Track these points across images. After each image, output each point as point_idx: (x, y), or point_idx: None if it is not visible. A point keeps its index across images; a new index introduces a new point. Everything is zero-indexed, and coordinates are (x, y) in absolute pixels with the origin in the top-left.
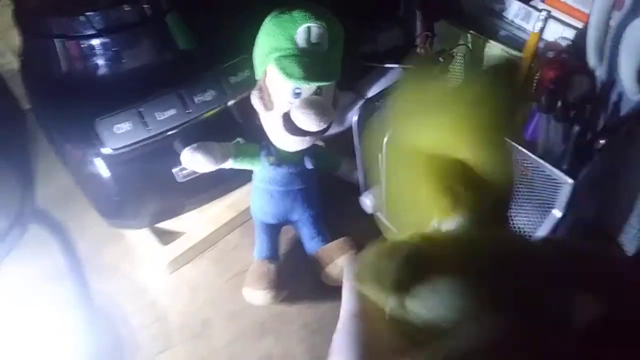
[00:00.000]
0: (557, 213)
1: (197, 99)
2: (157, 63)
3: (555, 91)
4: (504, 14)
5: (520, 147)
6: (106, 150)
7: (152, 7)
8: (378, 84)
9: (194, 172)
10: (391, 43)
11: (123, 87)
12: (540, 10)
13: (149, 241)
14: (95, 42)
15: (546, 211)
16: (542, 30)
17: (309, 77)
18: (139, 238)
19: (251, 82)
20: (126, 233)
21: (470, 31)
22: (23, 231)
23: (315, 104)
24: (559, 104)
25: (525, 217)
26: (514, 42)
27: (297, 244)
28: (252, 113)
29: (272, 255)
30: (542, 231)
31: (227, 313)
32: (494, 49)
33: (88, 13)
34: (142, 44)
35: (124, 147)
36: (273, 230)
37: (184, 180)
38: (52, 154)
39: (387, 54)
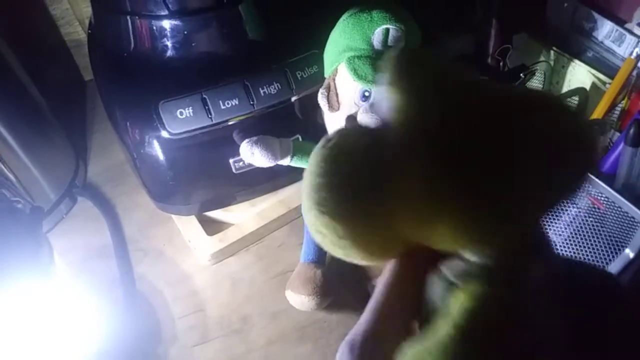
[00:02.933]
0: (629, 253)
1: (262, 91)
2: (225, 51)
3: None
4: (594, 33)
5: (596, 179)
6: (166, 134)
7: None
8: None
9: (251, 165)
10: (461, 50)
11: (189, 72)
12: (637, 36)
13: (195, 229)
14: (167, 23)
15: (617, 249)
16: (639, 57)
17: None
18: (186, 225)
19: (318, 79)
20: (173, 218)
21: (554, 47)
22: (72, 204)
23: None
24: None
25: (591, 251)
26: (602, 65)
27: None
28: (314, 110)
29: (319, 259)
30: (613, 269)
31: (267, 312)
32: (579, 70)
33: None
34: (213, 30)
35: (184, 132)
36: None
37: (239, 171)
38: (108, 129)
39: (456, 61)
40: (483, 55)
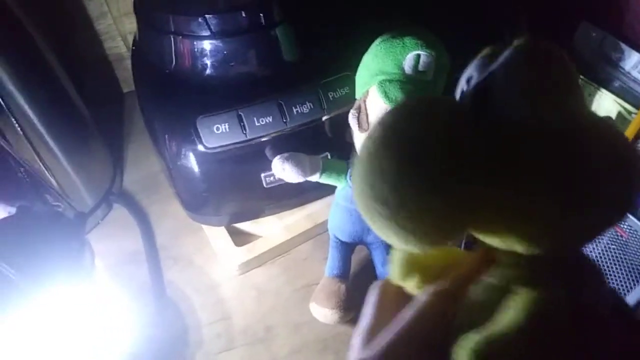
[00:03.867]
0: None
1: (295, 110)
2: (261, 71)
3: None
4: (621, 63)
5: None
6: (202, 148)
7: (266, 16)
8: None
9: (281, 180)
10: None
11: (226, 90)
12: None
13: (224, 240)
14: (208, 43)
15: (638, 278)
16: None
17: None
18: (215, 235)
19: (349, 100)
20: (204, 228)
21: (581, 76)
22: (108, 210)
23: None
24: None
25: (612, 278)
26: (628, 95)
27: (369, 265)
28: (343, 130)
29: (343, 274)
30: (632, 299)
31: (291, 323)
32: (605, 99)
33: (207, 15)
34: (250, 50)
35: (219, 146)
36: (347, 249)
37: (270, 186)
38: (144, 139)
39: None
40: None
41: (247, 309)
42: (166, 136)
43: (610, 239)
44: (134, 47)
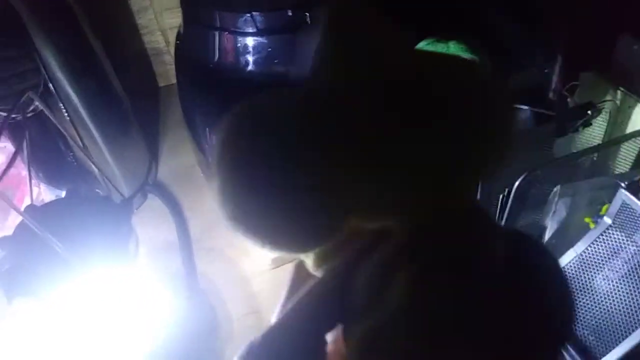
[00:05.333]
0: None
1: None
2: (304, 68)
3: None
4: None
5: None
6: None
7: (312, 15)
8: None
9: None
10: (526, 83)
11: (268, 86)
12: None
13: None
14: (252, 40)
15: None
16: None
17: None
18: None
19: None
20: None
21: (621, 88)
22: (143, 200)
23: None
24: None
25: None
26: None
27: None
28: None
29: None
30: None
31: None
32: None
33: (253, 12)
34: (292, 49)
35: None
36: None
37: None
38: (179, 131)
39: (518, 94)
40: (546, 90)
41: (278, 304)
42: (207, 129)
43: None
44: (177, 42)
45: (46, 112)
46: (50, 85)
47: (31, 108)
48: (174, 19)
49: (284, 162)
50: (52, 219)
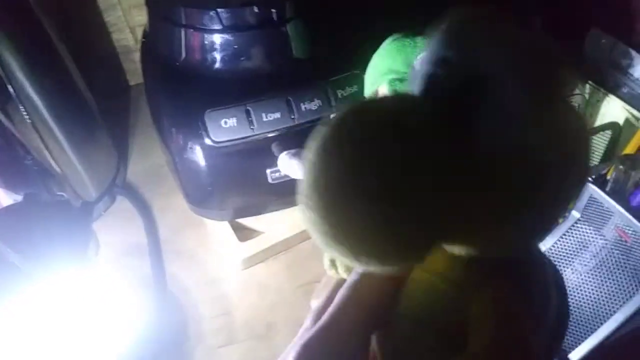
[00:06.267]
0: None
1: (303, 107)
2: (271, 66)
3: None
4: (630, 70)
5: (625, 213)
6: (209, 141)
7: (278, 12)
8: None
9: (286, 176)
10: None
11: (235, 84)
12: None
13: (228, 235)
14: (219, 37)
15: None
16: None
17: None
18: (218, 230)
19: (357, 98)
20: (207, 222)
21: (590, 81)
22: (111, 202)
23: None
24: None
25: (615, 283)
26: (636, 101)
27: None
28: None
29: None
30: (632, 306)
31: (292, 320)
32: (613, 105)
33: (219, 9)
34: (261, 46)
35: (226, 141)
36: None
37: (275, 182)
38: (149, 131)
39: None
40: None
41: (249, 304)
42: (173, 129)
43: (615, 244)
44: (143, 39)
45: (1, 115)
46: (10, 86)
47: None
48: (142, 16)
49: (400, 183)
50: (4, 225)
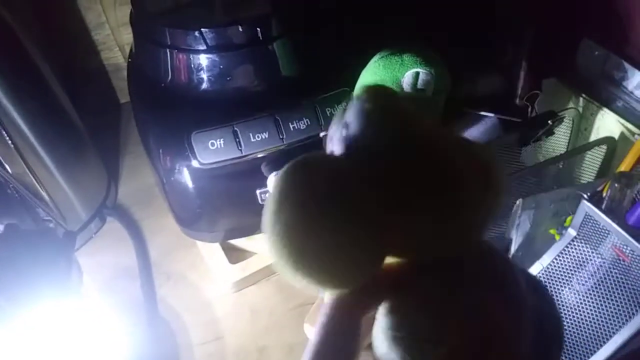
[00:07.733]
0: None
1: (292, 126)
2: (258, 86)
3: None
4: (624, 83)
5: (622, 232)
6: (196, 163)
7: (264, 31)
8: (470, 131)
9: None
10: (489, 89)
11: (222, 105)
12: None
13: (219, 257)
14: (204, 58)
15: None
16: None
17: None
18: (209, 252)
19: None
20: (198, 244)
21: (583, 95)
22: (102, 224)
23: None
24: None
25: (613, 303)
26: (631, 115)
27: None
28: None
29: None
30: (631, 328)
31: (285, 344)
32: (608, 119)
33: (203, 29)
34: (247, 65)
35: (214, 162)
36: None
37: (265, 202)
38: (140, 150)
39: (482, 100)
40: (512, 97)
41: (241, 328)
42: (160, 151)
43: (613, 264)
44: (129, 60)
45: None
46: None
47: None
48: (131, 35)
49: (357, 222)
50: None
